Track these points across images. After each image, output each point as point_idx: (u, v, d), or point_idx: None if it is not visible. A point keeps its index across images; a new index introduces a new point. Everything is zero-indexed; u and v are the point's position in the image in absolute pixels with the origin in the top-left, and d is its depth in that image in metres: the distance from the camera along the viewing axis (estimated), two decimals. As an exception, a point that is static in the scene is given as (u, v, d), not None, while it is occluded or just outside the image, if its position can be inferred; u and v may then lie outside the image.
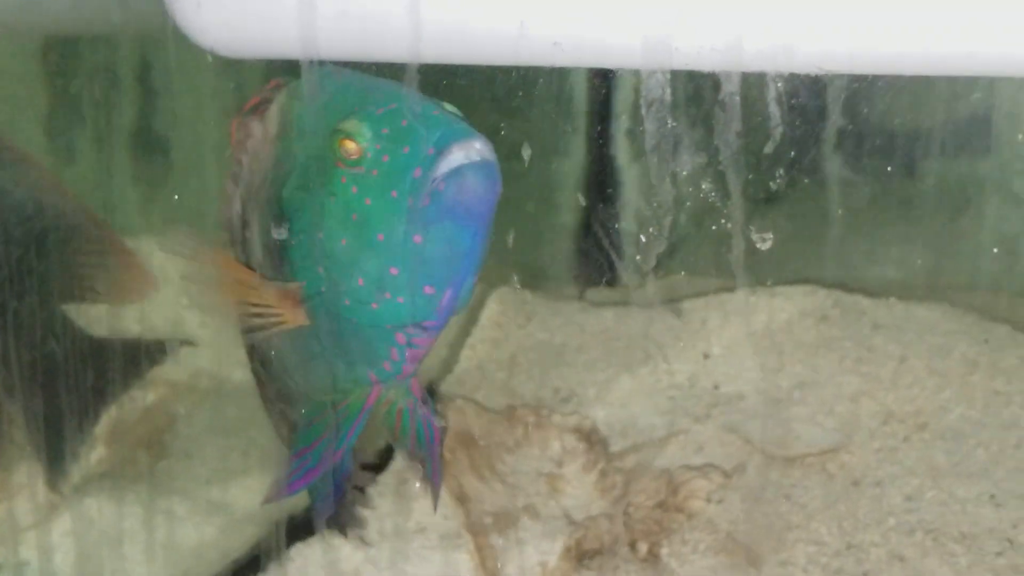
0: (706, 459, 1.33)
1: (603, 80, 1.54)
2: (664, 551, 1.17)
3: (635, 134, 1.69)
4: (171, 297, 1.00)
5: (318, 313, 0.84)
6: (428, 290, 0.75)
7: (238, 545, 1.25)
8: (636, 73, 0.82)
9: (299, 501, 1.34)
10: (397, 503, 1.33)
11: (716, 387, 1.47)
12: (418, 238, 0.73)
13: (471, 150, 0.71)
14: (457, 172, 0.70)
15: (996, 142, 1.53)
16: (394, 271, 0.75)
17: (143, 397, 1.36)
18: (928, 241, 1.70)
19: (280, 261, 0.85)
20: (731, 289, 1.64)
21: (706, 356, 1.54)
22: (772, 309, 1.59)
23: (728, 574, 1.13)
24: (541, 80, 0.99)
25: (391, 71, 0.81)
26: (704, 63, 0.74)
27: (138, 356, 1.17)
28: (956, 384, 1.39)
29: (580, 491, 1.26)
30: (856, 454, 1.32)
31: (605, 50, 0.78)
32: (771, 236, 0.99)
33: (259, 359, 0.97)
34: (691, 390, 1.48)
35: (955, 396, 1.38)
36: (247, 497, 1.29)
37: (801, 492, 1.27)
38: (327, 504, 0.96)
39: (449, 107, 0.77)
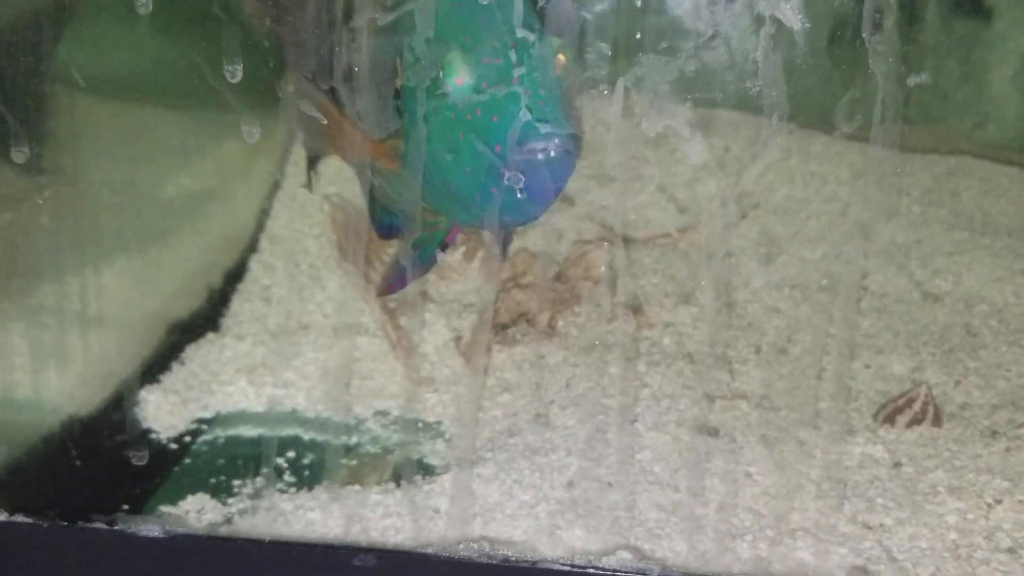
0: (570, 243, 1.36)
1: None
2: (561, 322, 1.19)
3: None
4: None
5: (413, 168, 0.92)
6: (506, 217, 0.87)
7: (138, 350, 1.15)
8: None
9: (186, 302, 1.24)
10: (280, 305, 1.26)
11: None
12: (495, 190, 0.84)
13: (550, 144, 0.80)
14: (530, 165, 0.80)
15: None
16: (477, 198, 0.86)
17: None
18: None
19: (386, 110, 0.95)
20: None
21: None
22: (597, 112, 1.63)
23: (624, 334, 1.18)
24: None
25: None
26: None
27: None
28: (776, 168, 1.51)
29: (469, 277, 1.26)
30: (703, 233, 1.40)
31: None
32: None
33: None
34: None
35: (778, 179, 1.49)
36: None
37: (665, 266, 1.34)
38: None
39: (557, 43, 0.85)
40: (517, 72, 0.84)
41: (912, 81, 1.49)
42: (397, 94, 0.93)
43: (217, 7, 0.87)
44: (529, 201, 0.84)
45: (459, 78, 0.84)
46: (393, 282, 1.06)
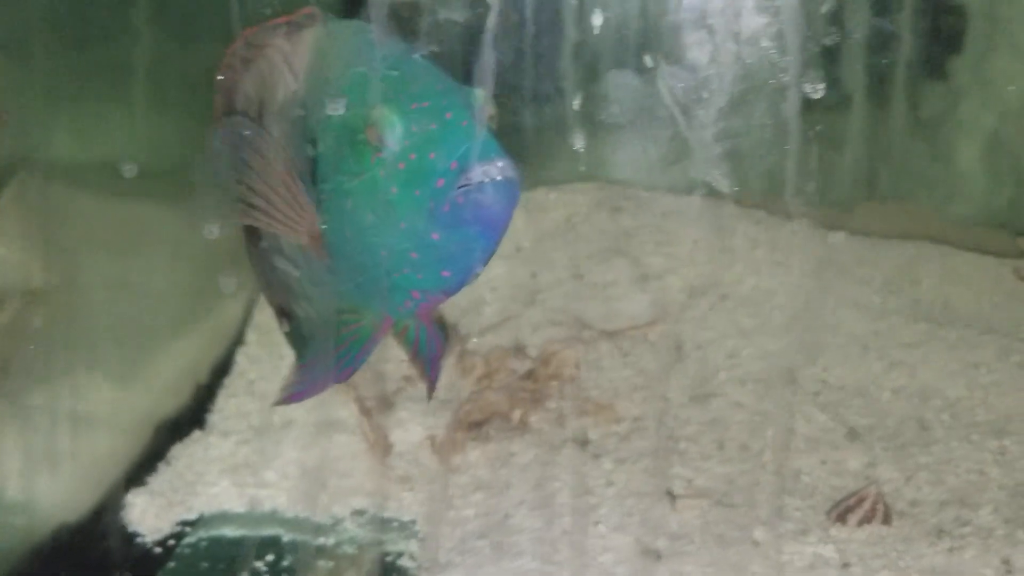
0: (543, 338, 1.42)
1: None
2: (533, 418, 1.24)
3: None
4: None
5: (340, 253, 0.88)
6: (444, 273, 0.81)
7: (127, 452, 1.20)
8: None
9: (174, 400, 1.29)
10: (256, 402, 1.31)
11: (534, 276, 1.56)
12: (436, 236, 0.78)
13: (492, 168, 0.75)
14: (477, 189, 0.75)
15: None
16: (414, 255, 0.81)
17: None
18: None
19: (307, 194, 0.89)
20: (530, 188, 1.73)
21: (518, 249, 1.62)
22: (570, 204, 1.70)
23: (597, 431, 1.23)
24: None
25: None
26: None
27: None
28: (744, 259, 1.57)
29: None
30: (672, 324, 1.46)
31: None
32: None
33: (267, 261, 1.00)
34: (512, 280, 1.56)
35: (745, 269, 1.55)
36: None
37: (636, 359, 1.39)
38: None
39: (480, 94, 0.80)
40: (449, 109, 0.80)
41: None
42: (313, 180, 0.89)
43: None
44: (481, 236, 0.78)
45: (391, 130, 0.80)
46: (300, 390, 0.98)
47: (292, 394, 0.98)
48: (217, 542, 1.12)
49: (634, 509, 1.08)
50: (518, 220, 1.65)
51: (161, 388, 1.33)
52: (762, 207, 1.77)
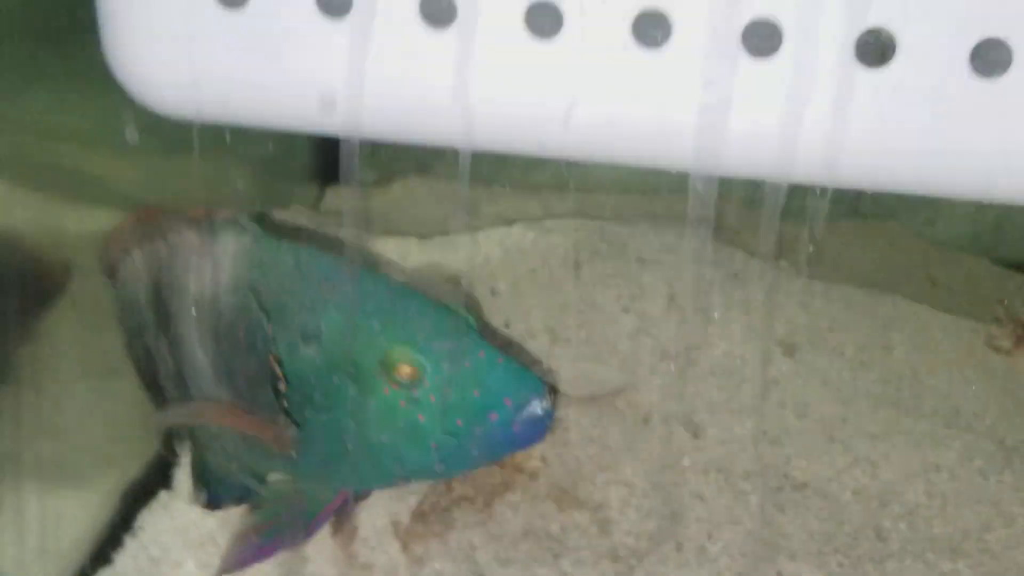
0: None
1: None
2: (499, 507, 1.25)
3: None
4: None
5: (317, 453, 1.00)
6: (439, 468, 0.97)
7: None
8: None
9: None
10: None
11: (507, 325, 1.55)
12: (472, 454, 0.93)
13: (543, 402, 0.90)
14: (531, 422, 0.90)
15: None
16: (439, 467, 0.95)
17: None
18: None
19: (260, 395, 0.98)
20: (509, 223, 1.71)
21: (493, 293, 1.61)
22: (550, 245, 1.68)
23: (555, 520, 1.24)
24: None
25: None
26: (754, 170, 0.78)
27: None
28: (718, 321, 1.56)
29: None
30: (641, 391, 1.46)
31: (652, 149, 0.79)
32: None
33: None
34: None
35: (718, 332, 1.55)
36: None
37: (601, 432, 1.39)
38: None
39: (461, 311, 0.95)
40: (479, 347, 0.92)
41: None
42: (279, 394, 0.97)
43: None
44: (503, 454, 1.03)
45: (410, 367, 0.91)
46: (244, 557, 1.07)
47: (231, 563, 1.03)
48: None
49: (589, 627, 1.09)
50: (494, 258, 1.65)
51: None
52: (740, 244, 1.76)
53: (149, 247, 1.01)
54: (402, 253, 1.70)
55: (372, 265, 0.97)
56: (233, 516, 1.26)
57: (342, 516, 1.23)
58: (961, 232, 2.17)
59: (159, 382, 1.08)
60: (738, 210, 1.82)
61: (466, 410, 0.90)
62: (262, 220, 1.00)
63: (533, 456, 1.28)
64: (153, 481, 1.31)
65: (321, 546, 1.22)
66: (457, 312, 0.94)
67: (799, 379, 1.47)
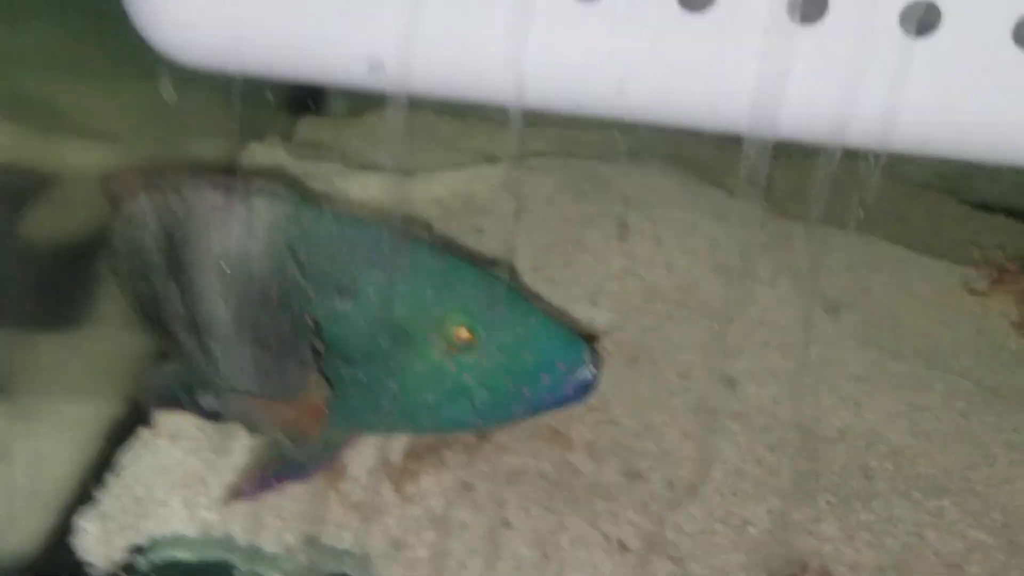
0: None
1: None
2: (488, 446, 1.25)
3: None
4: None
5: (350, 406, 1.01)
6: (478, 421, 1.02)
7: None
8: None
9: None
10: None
11: (493, 264, 1.54)
12: (519, 410, 0.99)
13: (591, 366, 0.95)
14: (580, 385, 0.96)
15: None
16: (477, 422, 1.02)
17: None
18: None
19: (291, 354, 0.99)
20: (490, 160, 1.69)
21: (479, 231, 1.59)
22: (534, 183, 1.66)
23: (547, 458, 1.24)
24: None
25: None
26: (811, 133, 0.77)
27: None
28: (705, 262, 1.56)
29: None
30: (628, 331, 1.46)
31: (706, 111, 0.78)
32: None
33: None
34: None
35: (704, 273, 1.55)
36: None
37: (590, 373, 1.39)
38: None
39: (503, 277, 0.98)
40: (531, 314, 0.97)
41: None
42: (316, 353, 0.97)
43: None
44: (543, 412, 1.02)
45: (467, 332, 0.95)
46: (253, 488, 1.12)
47: (243, 491, 1.04)
48: (169, 575, 1.12)
49: (586, 563, 1.10)
50: (479, 196, 1.62)
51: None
52: (716, 180, 1.76)
53: (160, 198, 1.01)
54: (381, 189, 1.67)
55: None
56: (217, 459, 1.25)
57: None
58: (927, 172, 2.18)
59: (162, 321, 1.07)
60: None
61: (516, 373, 0.94)
62: (296, 188, 1.01)
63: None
64: (132, 419, 1.28)
65: (310, 485, 1.21)
66: (499, 278, 0.97)
67: (781, 319, 1.48)
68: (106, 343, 1.24)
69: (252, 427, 1.05)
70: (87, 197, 1.07)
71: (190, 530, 1.16)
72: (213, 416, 1.17)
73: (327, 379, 0.97)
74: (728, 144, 1.78)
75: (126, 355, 1.27)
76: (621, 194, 1.66)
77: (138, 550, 1.14)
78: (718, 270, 1.55)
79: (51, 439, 1.14)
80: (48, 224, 1.04)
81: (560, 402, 0.97)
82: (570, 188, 1.65)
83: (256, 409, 0.98)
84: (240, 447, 1.23)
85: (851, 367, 1.39)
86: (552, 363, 0.94)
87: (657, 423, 1.31)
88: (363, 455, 1.23)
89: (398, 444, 1.24)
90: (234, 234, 0.96)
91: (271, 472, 1.07)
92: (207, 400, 1.15)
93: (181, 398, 1.16)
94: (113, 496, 1.19)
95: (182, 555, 1.14)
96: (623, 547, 1.13)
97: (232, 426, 1.28)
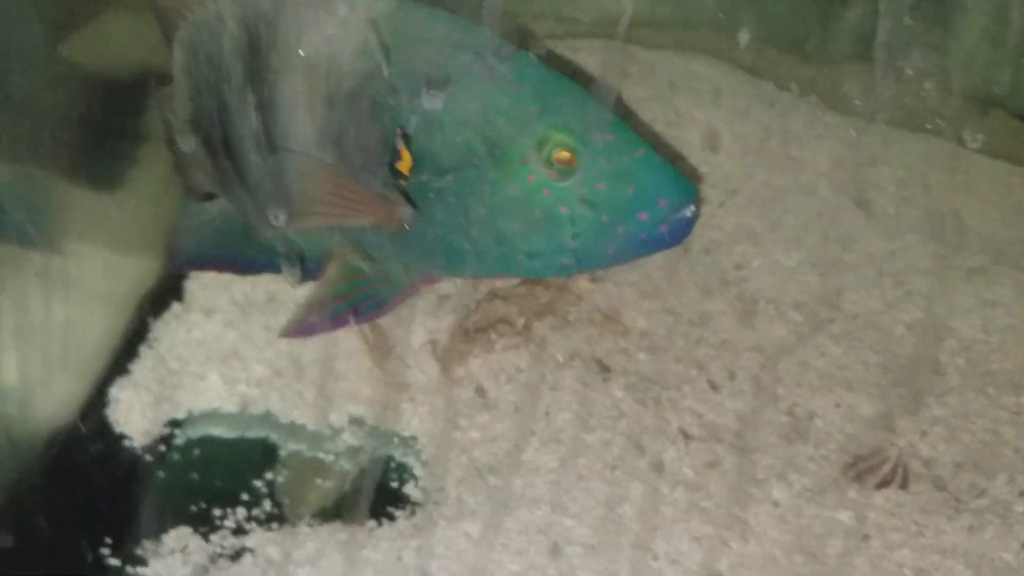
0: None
1: None
2: (536, 324, 1.18)
3: None
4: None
5: (428, 236, 0.92)
6: (567, 263, 0.91)
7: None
8: None
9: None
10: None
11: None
12: (608, 252, 0.88)
13: (694, 206, 0.85)
14: (680, 224, 0.86)
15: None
16: (567, 262, 0.89)
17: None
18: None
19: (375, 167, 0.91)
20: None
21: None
22: (578, 65, 1.57)
23: (603, 346, 1.18)
24: None
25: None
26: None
27: None
28: (756, 150, 1.49)
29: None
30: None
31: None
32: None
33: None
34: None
35: (757, 161, 1.47)
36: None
37: (642, 261, 1.32)
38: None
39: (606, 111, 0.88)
40: (639, 144, 0.87)
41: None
42: (396, 172, 0.89)
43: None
44: (643, 254, 0.92)
45: (569, 153, 0.84)
46: (312, 325, 1.06)
47: (302, 328, 1.05)
48: (209, 451, 1.05)
49: (647, 450, 1.05)
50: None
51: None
52: (767, 74, 1.68)
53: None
54: None
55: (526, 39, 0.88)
56: (256, 333, 1.18)
57: (378, 333, 1.16)
58: (976, 87, 2.09)
59: (226, 142, 0.98)
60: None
61: (615, 206, 0.85)
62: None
63: (582, 278, 1.21)
64: (165, 293, 1.21)
65: (356, 364, 1.14)
66: (607, 106, 0.88)
67: (842, 211, 1.41)
68: (142, 208, 1.16)
69: (329, 216, 0.94)
70: (136, 25, 0.98)
71: (229, 405, 1.10)
72: (251, 268, 1.09)
73: (412, 202, 0.88)
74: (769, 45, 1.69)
75: (160, 225, 1.19)
76: (667, 79, 1.57)
77: (175, 424, 1.07)
78: (772, 157, 1.47)
79: (84, 306, 1.07)
80: (93, 52, 0.95)
81: (654, 245, 0.87)
82: (615, 70, 1.56)
83: (344, 190, 0.87)
84: (278, 324, 1.16)
85: (918, 261, 1.33)
86: (654, 200, 0.84)
87: (713, 312, 1.24)
88: (411, 335, 1.16)
89: (446, 324, 1.17)
90: (329, 32, 0.87)
91: (346, 304, 0.99)
92: (252, 249, 1.07)
93: (219, 248, 1.07)
94: (147, 368, 1.12)
95: (220, 431, 1.07)
96: (685, 435, 1.07)
97: (267, 302, 1.21)
